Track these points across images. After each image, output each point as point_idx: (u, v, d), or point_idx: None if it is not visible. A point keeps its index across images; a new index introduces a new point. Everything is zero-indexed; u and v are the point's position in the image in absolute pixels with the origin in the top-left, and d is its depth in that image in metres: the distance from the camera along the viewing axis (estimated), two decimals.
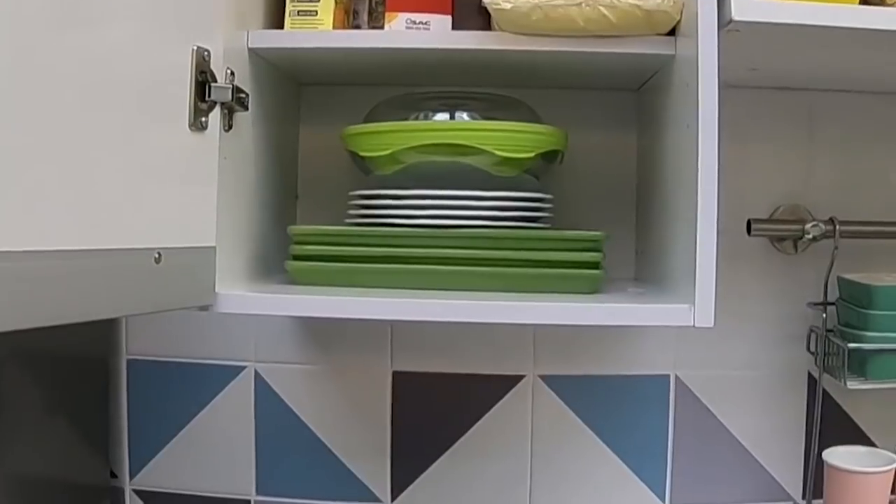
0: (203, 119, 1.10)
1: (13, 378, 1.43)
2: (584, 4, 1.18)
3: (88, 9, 0.90)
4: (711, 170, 1.12)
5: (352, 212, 1.36)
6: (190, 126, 1.08)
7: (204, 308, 1.15)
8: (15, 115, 0.81)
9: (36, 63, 0.83)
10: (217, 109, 1.13)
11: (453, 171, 1.30)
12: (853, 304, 1.48)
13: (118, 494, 1.75)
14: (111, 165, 0.94)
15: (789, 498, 1.67)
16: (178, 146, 1.07)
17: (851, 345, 1.44)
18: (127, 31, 0.96)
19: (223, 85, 1.13)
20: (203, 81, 1.10)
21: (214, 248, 1.14)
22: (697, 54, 1.12)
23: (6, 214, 0.79)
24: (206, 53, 1.09)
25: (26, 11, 0.81)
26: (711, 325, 1.12)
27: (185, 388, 1.73)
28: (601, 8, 1.19)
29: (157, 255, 1.01)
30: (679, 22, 1.23)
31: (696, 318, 1.11)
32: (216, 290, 1.16)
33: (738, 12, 1.12)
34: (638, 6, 1.19)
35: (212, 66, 1.11)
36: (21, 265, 0.82)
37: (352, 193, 1.37)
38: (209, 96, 1.11)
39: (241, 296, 1.19)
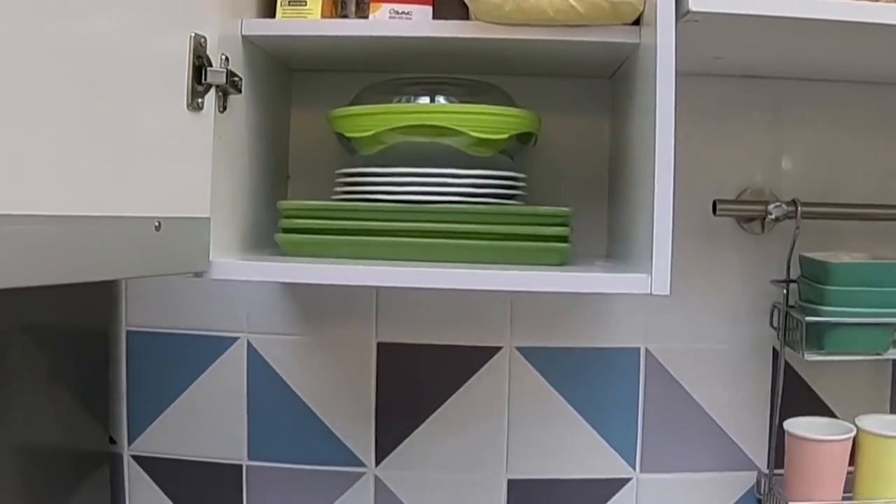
0: (199, 100, 1.19)
1: (18, 349, 1.49)
2: None
3: None
4: (668, 151, 1.20)
5: (338, 189, 1.45)
6: (187, 107, 1.18)
7: (199, 274, 1.25)
8: (26, 94, 0.90)
9: (45, 43, 0.92)
10: (212, 92, 1.23)
11: (432, 151, 1.39)
12: (812, 281, 1.57)
13: (117, 460, 1.83)
14: (116, 140, 1.04)
15: (754, 467, 1.76)
16: (177, 125, 1.17)
17: (809, 318, 1.52)
18: (130, 16, 1.06)
19: (218, 69, 1.22)
20: (200, 66, 1.19)
21: (209, 219, 1.24)
22: (656, 43, 1.20)
23: (19, 182, 0.89)
24: (202, 40, 1.19)
25: None
26: (667, 293, 1.21)
27: (181, 358, 1.81)
28: (570, 1, 1.28)
29: (157, 224, 1.11)
30: (643, 12, 1.31)
31: (654, 287, 1.21)
32: (210, 258, 1.25)
33: (694, 3, 1.20)
34: None
35: (208, 52, 1.21)
36: (34, 227, 0.91)
37: (338, 171, 1.47)
38: (205, 79, 1.20)
39: (232, 263, 1.29)
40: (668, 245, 1.21)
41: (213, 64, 1.22)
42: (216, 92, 1.25)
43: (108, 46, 1.03)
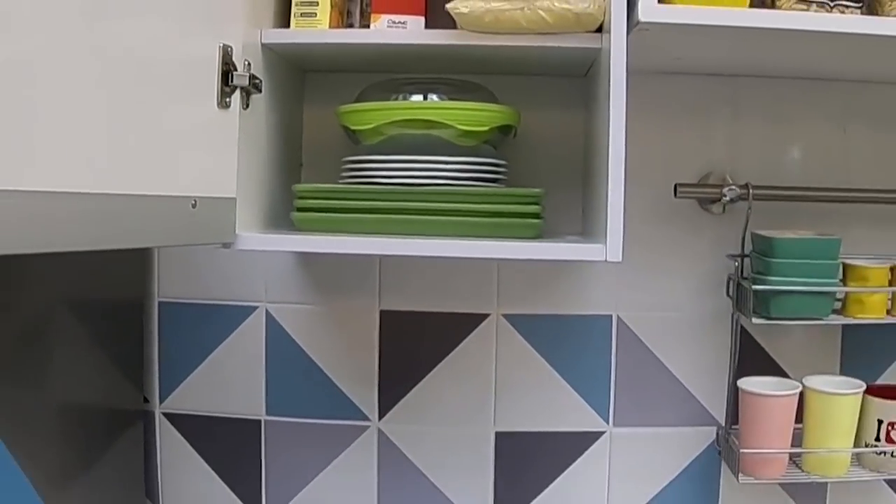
0: (227, 100, 1.41)
1: (61, 318, 1.64)
2: (525, 9, 1.47)
3: (137, 10, 1.22)
4: (619, 136, 1.39)
5: (344, 174, 1.65)
6: (217, 105, 1.40)
7: (226, 245, 1.47)
8: (89, 94, 1.11)
9: (100, 51, 1.14)
10: (237, 92, 1.44)
11: (425, 141, 1.60)
12: (761, 255, 1.73)
13: (149, 417, 1.99)
14: (159, 133, 1.26)
15: (714, 422, 1.92)
16: (209, 120, 1.39)
17: (756, 287, 1.69)
18: (173, 29, 1.29)
19: (242, 73, 1.44)
20: (227, 71, 1.41)
21: (235, 199, 1.46)
22: (611, 49, 1.40)
23: (83, 167, 1.10)
24: (229, 49, 1.41)
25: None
26: (619, 259, 1.39)
27: (206, 326, 1.98)
28: (540, 11, 1.47)
29: (193, 202, 1.33)
30: (603, 21, 1.49)
31: (608, 255, 1.40)
32: (236, 231, 1.47)
33: (643, 15, 1.39)
34: (569, 9, 1.47)
35: (234, 59, 1.42)
36: (97, 203, 1.12)
37: (344, 159, 1.66)
38: (232, 82, 1.42)
39: (254, 236, 1.51)
40: (621, 219, 1.39)
41: (238, 69, 1.43)
42: (240, 92, 1.45)
43: (153, 55, 1.24)
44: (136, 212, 1.21)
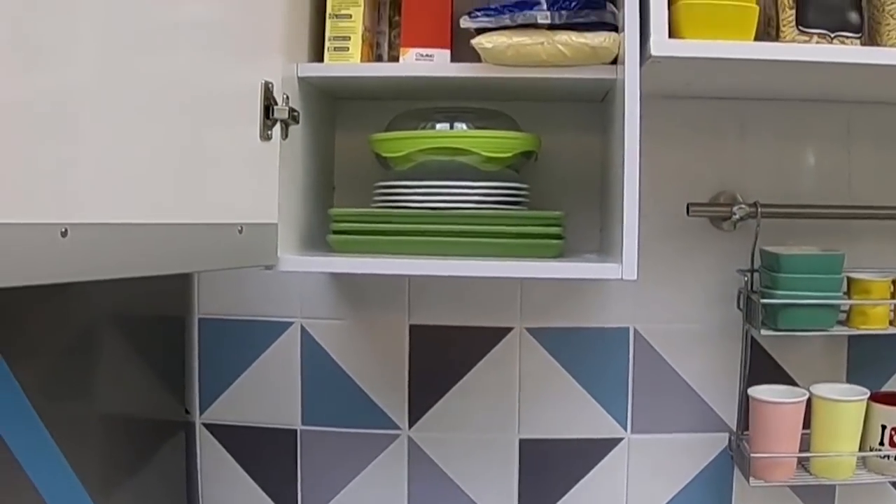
0: (269, 132, 1.53)
1: (107, 334, 1.73)
2: (545, 43, 1.58)
3: (188, 51, 1.34)
4: (634, 162, 1.49)
5: (376, 198, 1.75)
6: (260, 138, 1.51)
7: (269, 267, 1.57)
8: (144, 128, 1.22)
9: (160, 89, 1.25)
10: (278, 124, 1.55)
11: (452, 167, 1.71)
12: (769, 270, 1.82)
13: (190, 427, 2.07)
14: (210, 166, 1.38)
15: (727, 428, 1.99)
16: (253, 151, 1.50)
17: (764, 300, 1.78)
18: (222, 70, 1.40)
19: (282, 107, 1.55)
20: (268, 105, 1.52)
21: (276, 224, 1.57)
22: (625, 80, 1.50)
23: (142, 199, 1.21)
24: (270, 85, 1.52)
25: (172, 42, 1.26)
26: (635, 277, 1.49)
27: (244, 340, 2.06)
28: (559, 45, 1.58)
29: (240, 228, 1.44)
30: (618, 55, 1.60)
31: (624, 273, 1.50)
32: (278, 254, 1.58)
33: (655, 49, 1.49)
34: (586, 43, 1.58)
35: (274, 94, 1.53)
36: (154, 231, 1.23)
37: (376, 184, 1.76)
38: (273, 115, 1.53)
39: (295, 258, 1.63)
40: (635, 239, 1.49)
41: (278, 102, 1.54)
42: (280, 124, 1.56)
43: (205, 95, 1.36)
44: (190, 239, 1.32)
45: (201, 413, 2.09)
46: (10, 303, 1.34)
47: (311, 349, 2.06)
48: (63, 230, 1.06)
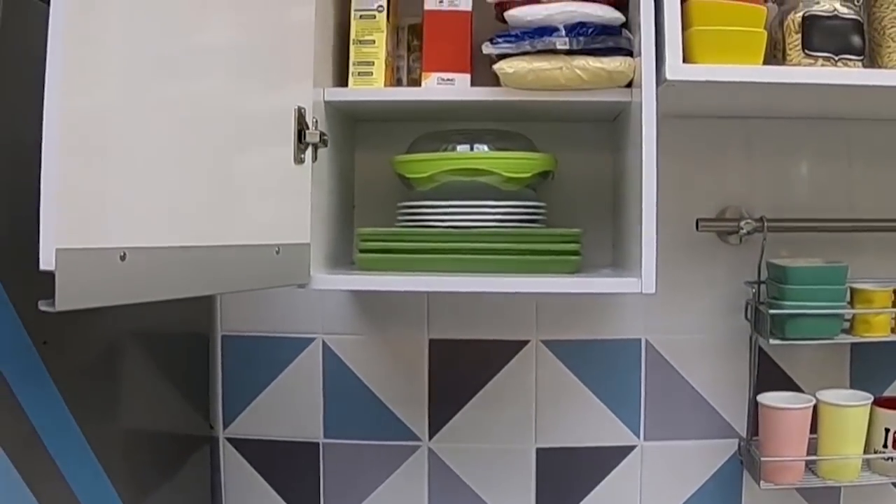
0: (302, 156, 1.59)
1: (133, 351, 1.76)
2: (563, 68, 1.65)
3: (229, 81, 1.41)
4: (651, 183, 1.56)
5: (401, 217, 1.82)
6: (294, 161, 1.58)
7: (302, 286, 1.64)
8: (192, 159, 1.30)
9: (201, 121, 1.33)
10: (309, 148, 1.62)
11: (473, 187, 1.77)
12: (775, 282, 1.89)
13: (215, 442, 2.12)
14: (249, 187, 1.45)
15: (737, 434, 2.06)
16: (287, 175, 1.57)
17: (772, 311, 1.85)
18: (259, 97, 1.48)
19: (314, 131, 1.62)
20: (301, 129, 1.58)
21: (309, 244, 1.63)
22: (642, 103, 1.58)
23: (186, 223, 1.28)
24: (303, 110, 1.59)
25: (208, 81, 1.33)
26: (653, 292, 1.56)
27: (267, 357, 2.11)
28: (577, 70, 1.65)
29: (277, 249, 1.51)
30: (633, 78, 1.67)
31: (643, 287, 1.57)
32: (311, 273, 1.64)
33: (671, 74, 1.56)
34: (602, 68, 1.65)
35: (306, 119, 1.60)
36: (196, 254, 1.29)
37: (400, 204, 1.82)
38: (305, 139, 1.59)
39: (327, 276, 1.69)
40: (654, 255, 1.56)
41: (310, 127, 1.61)
42: (311, 147, 1.63)
43: (243, 123, 1.43)
44: (234, 260, 1.39)
45: (225, 428, 2.14)
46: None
47: (332, 364, 2.11)
48: (122, 254, 1.13)
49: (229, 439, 2.14)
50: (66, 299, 1.04)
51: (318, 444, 2.12)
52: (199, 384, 2.10)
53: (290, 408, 2.12)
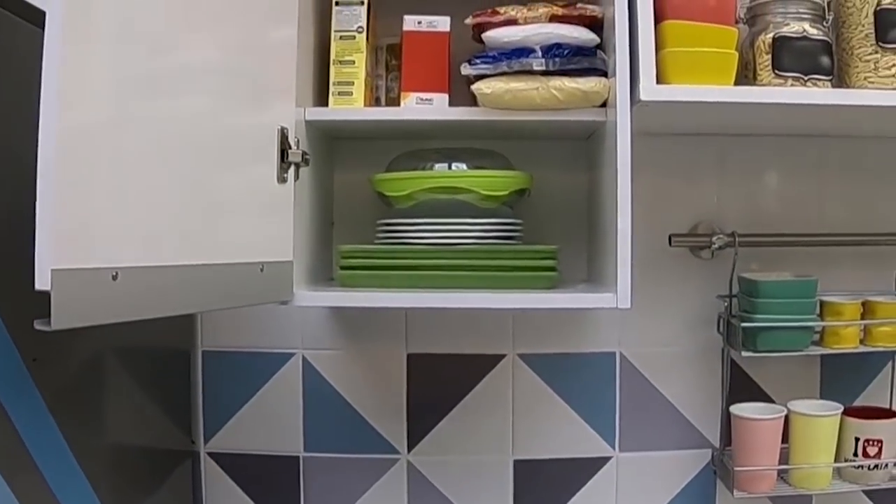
0: (284, 175, 1.62)
1: (117, 368, 1.77)
2: (540, 88, 1.69)
3: (215, 105, 1.45)
4: (626, 198, 1.60)
5: (380, 235, 1.85)
6: (277, 181, 1.61)
7: (285, 302, 1.66)
8: (180, 179, 1.33)
9: (190, 145, 1.36)
10: (292, 167, 1.65)
11: (451, 205, 1.81)
12: (747, 295, 1.93)
13: (196, 456, 2.13)
14: (234, 207, 1.48)
15: (710, 445, 2.10)
16: (271, 194, 1.60)
17: (744, 324, 1.89)
18: (243, 117, 1.51)
19: (296, 151, 1.65)
20: (284, 149, 1.61)
21: (292, 262, 1.66)
22: (616, 122, 1.62)
23: (170, 243, 1.30)
24: (285, 130, 1.62)
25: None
26: (629, 306, 1.60)
27: (247, 372, 2.13)
28: (553, 90, 1.69)
29: (261, 267, 1.54)
30: (607, 98, 1.71)
31: (618, 302, 1.61)
32: (293, 290, 1.67)
33: (644, 94, 1.60)
34: (578, 88, 1.69)
35: (288, 138, 1.63)
36: (187, 273, 1.32)
37: (379, 221, 1.85)
38: (288, 159, 1.62)
39: (309, 293, 1.72)
40: (629, 270, 1.60)
41: (292, 146, 1.64)
42: (293, 167, 1.65)
43: (228, 143, 1.45)
44: (221, 278, 1.42)
45: (206, 442, 2.15)
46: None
47: (312, 379, 2.14)
48: (114, 273, 1.16)
49: (210, 454, 2.15)
50: (61, 318, 1.07)
51: (298, 457, 2.14)
52: (181, 399, 2.12)
53: (271, 422, 2.14)
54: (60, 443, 1.53)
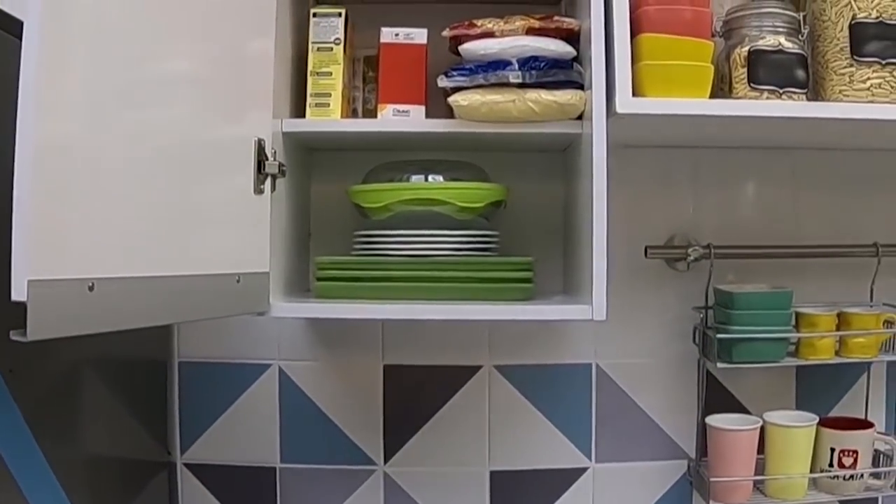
0: (261, 186, 1.63)
1: (93, 378, 1.76)
2: (516, 101, 1.70)
3: (188, 116, 1.45)
4: (602, 210, 1.62)
5: (356, 246, 1.85)
6: (254, 192, 1.61)
7: (261, 314, 1.67)
8: (160, 191, 1.32)
9: (169, 159, 1.37)
10: (268, 178, 1.65)
11: (428, 217, 1.81)
12: (723, 307, 1.95)
13: (172, 467, 2.12)
14: (211, 218, 1.48)
15: (686, 456, 2.11)
16: (248, 205, 1.60)
17: (720, 335, 1.90)
18: (220, 128, 1.51)
19: (272, 162, 1.65)
20: (260, 160, 1.62)
21: (268, 273, 1.67)
22: (592, 135, 1.63)
23: (146, 254, 1.30)
24: (262, 141, 1.63)
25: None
26: (605, 318, 1.60)
27: (224, 383, 2.13)
28: (529, 103, 1.70)
29: (238, 278, 1.54)
30: (584, 111, 1.72)
31: (594, 314, 1.62)
32: (270, 301, 1.68)
33: (620, 107, 1.62)
34: (554, 101, 1.70)
35: (265, 150, 1.63)
36: (160, 283, 1.31)
37: (356, 233, 1.86)
38: (264, 170, 1.63)
39: (285, 305, 1.73)
40: (605, 282, 1.61)
41: (269, 158, 1.64)
42: (270, 178, 1.66)
43: (205, 154, 1.46)
44: (197, 289, 1.42)
45: (182, 453, 2.14)
46: None
47: (288, 390, 2.13)
48: (90, 284, 1.16)
49: (187, 465, 2.15)
50: (37, 329, 1.07)
51: (274, 468, 2.14)
52: (157, 410, 2.12)
53: (247, 433, 2.14)
54: (36, 454, 1.53)
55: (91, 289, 1.16)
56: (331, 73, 1.82)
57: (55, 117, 1.11)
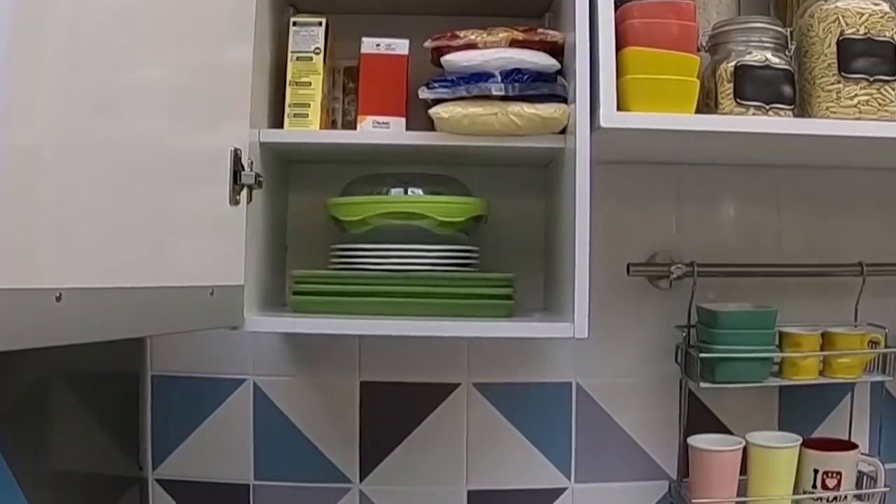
0: (237, 197, 1.60)
1: (61, 392, 1.75)
2: (499, 114, 1.68)
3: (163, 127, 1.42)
4: (584, 227, 1.59)
5: (334, 260, 1.83)
6: (230, 203, 1.58)
7: (235, 327, 1.64)
8: (129, 201, 1.29)
9: (140, 167, 1.34)
10: (244, 189, 1.62)
11: (407, 231, 1.79)
12: (705, 326, 1.93)
13: (144, 483, 2.09)
14: (184, 229, 1.45)
15: (667, 476, 2.10)
16: (223, 216, 1.57)
17: (702, 354, 1.89)
18: (195, 138, 1.48)
19: (249, 173, 1.62)
20: (237, 171, 1.59)
21: (243, 286, 1.64)
22: (576, 149, 1.61)
23: (119, 264, 1.27)
24: (238, 152, 1.60)
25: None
26: (586, 336, 1.59)
27: (197, 397, 2.10)
28: (511, 116, 1.68)
29: (211, 291, 1.51)
30: (567, 125, 1.70)
31: (576, 332, 1.60)
32: (244, 315, 1.65)
33: (605, 121, 1.60)
34: (537, 114, 1.68)
35: (242, 160, 1.60)
36: (131, 295, 1.28)
37: (333, 246, 1.84)
38: (241, 181, 1.60)
39: (260, 319, 1.70)
40: (586, 300, 1.59)
41: (245, 168, 1.61)
42: (246, 189, 1.63)
43: (178, 164, 1.43)
44: (169, 302, 1.39)
45: (154, 469, 2.11)
46: None
47: (263, 406, 2.11)
48: (58, 295, 1.13)
49: (159, 480, 2.12)
50: (2, 340, 1.04)
51: (248, 485, 2.11)
52: (129, 425, 2.09)
53: (221, 449, 2.11)
54: (4, 469, 1.50)
55: (58, 299, 1.13)
56: (310, 84, 1.80)
57: (24, 124, 1.08)
